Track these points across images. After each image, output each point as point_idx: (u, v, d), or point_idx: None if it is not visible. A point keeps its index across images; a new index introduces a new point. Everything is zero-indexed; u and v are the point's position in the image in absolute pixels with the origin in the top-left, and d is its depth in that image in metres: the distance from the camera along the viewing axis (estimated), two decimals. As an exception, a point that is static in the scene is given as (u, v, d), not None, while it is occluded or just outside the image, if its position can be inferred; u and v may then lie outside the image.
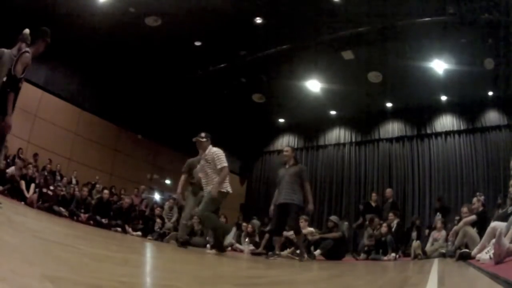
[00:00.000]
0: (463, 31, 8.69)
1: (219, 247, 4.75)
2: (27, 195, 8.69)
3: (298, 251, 7.53)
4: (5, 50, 4.29)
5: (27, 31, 4.61)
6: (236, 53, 10.89)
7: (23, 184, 8.77)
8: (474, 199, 7.17)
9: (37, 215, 6.44)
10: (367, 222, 8.87)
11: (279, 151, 16.39)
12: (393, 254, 7.42)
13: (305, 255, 5.78)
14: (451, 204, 11.09)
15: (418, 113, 12.98)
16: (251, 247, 8.60)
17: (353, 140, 14.55)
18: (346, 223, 9.78)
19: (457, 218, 7.94)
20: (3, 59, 4.13)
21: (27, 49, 4.11)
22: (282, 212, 5.49)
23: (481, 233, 5.31)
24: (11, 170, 8.83)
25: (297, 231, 5.65)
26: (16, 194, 8.70)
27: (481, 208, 6.60)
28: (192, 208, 5.81)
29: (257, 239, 9.03)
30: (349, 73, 11.11)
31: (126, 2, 9.14)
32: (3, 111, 3.92)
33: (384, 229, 7.89)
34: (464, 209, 6.90)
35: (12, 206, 6.18)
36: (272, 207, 5.74)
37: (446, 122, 12.68)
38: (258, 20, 9.54)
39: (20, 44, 4.47)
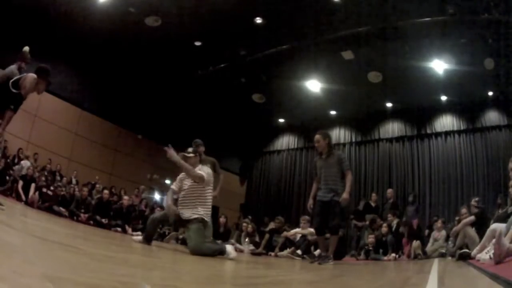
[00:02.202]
0: (463, 31, 8.70)
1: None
2: (23, 197, 8.66)
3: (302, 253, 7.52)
4: (12, 66, 4.37)
5: (26, 49, 4.62)
6: (236, 53, 10.89)
7: (20, 184, 8.77)
8: (472, 203, 7.34)
9: (37, 215, 6.43)
10: (367, 222, 8.88)
11: (279, 151, 16.42)
12: (393, 254, 7.43)
13: (331, 260, 4.93)
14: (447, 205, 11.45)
15: (418, 113, 12.98)
16: (251, 247, 8.60)
17: (353, 140, 14.56)
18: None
19: (456, 218, 7.97)
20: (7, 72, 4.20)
21: (32, 75, 4.09)
22: (323, 210, 4.98)
23: (479, 232, 5.34)
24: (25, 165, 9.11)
25: (335, 231, 5.04)
26: (16, 194, 8.72)
27: (475, 210, 6.68)
28: None
29: (257, 239, 9.03)
30: (349, 73, 11.11)
31: (126, 2, 9.15)
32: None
33: (384, 229, 7.90)
34: (463, 210, 6.97)
35: (12, 206, 6.18)
36: (310, 201, 5.17)
37: (446, 122, 12.69)
38: (258, 20, 9.54)
39: (20, 63, 4.50)
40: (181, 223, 4.15)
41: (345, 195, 4.87)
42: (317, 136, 5.23)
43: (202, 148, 5.94)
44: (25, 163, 9.34)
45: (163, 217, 4.43)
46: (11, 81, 3.95)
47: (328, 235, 5.15)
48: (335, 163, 5.03)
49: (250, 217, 11.28)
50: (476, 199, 7.81)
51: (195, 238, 3.82)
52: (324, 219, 5.01)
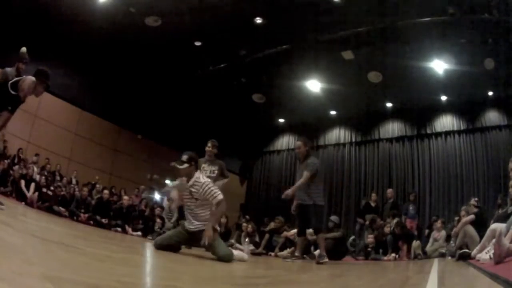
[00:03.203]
0: (463, 31, 8.69)
1: None
2: (28, 195, 8.69)
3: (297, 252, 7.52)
4: (8, 69, 4.35)
5: (24, 49, 4.61)
6: (236, 53, 10.88)
7: (22, 183, 8.78)
8: (471, 202, 7.37)
9: (37, 215, 6.44)
10: (367, 223, 8.87)
11: (279, 151, 16.42)
12: (393, 254, 7.43)
13: (325, 258, 5.10)
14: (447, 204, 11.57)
15: (418, 113, 12.97)
16: (251, 247, 8.60)
17: (353, 140, 14.55)
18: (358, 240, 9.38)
19: (456, 218, 7.97)
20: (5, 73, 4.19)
21: (30, 77, 4.08)
22: (301, 213, 5.28)
23: (479, 233, 5.35)
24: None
25: (318, 231, 5.28)
26: (16, 194, 8.72)
27: (474, 210, 6.71)
28: None
29: (257, 239, 9.03)
30: (349, 73, 11.10)
31: (126, 2, 9.14)
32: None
33: (386, 229, 7.90)
34: (462, 213, 7.02)
35: (12, 206, 6.18)
36: (294, 204, 5.48)
37: (446, 122, 12.68)
38: (258, 20, 9.53)
39: (18, 64, 4.48)
40: (195, 237, 3.72)
41: (288, 190, 5.08)
42: (298, 143, 5.41)
43: (215, 150, 6.01)
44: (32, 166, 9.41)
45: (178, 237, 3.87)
46: (10, 82, 3.93)
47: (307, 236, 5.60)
48: (305, 167, 5.23)
49: (247, 216, 11.27)
50: (476, 198, 7.83)
51: (223, 246, 3.67)
52: (300, 221, 5.39)
